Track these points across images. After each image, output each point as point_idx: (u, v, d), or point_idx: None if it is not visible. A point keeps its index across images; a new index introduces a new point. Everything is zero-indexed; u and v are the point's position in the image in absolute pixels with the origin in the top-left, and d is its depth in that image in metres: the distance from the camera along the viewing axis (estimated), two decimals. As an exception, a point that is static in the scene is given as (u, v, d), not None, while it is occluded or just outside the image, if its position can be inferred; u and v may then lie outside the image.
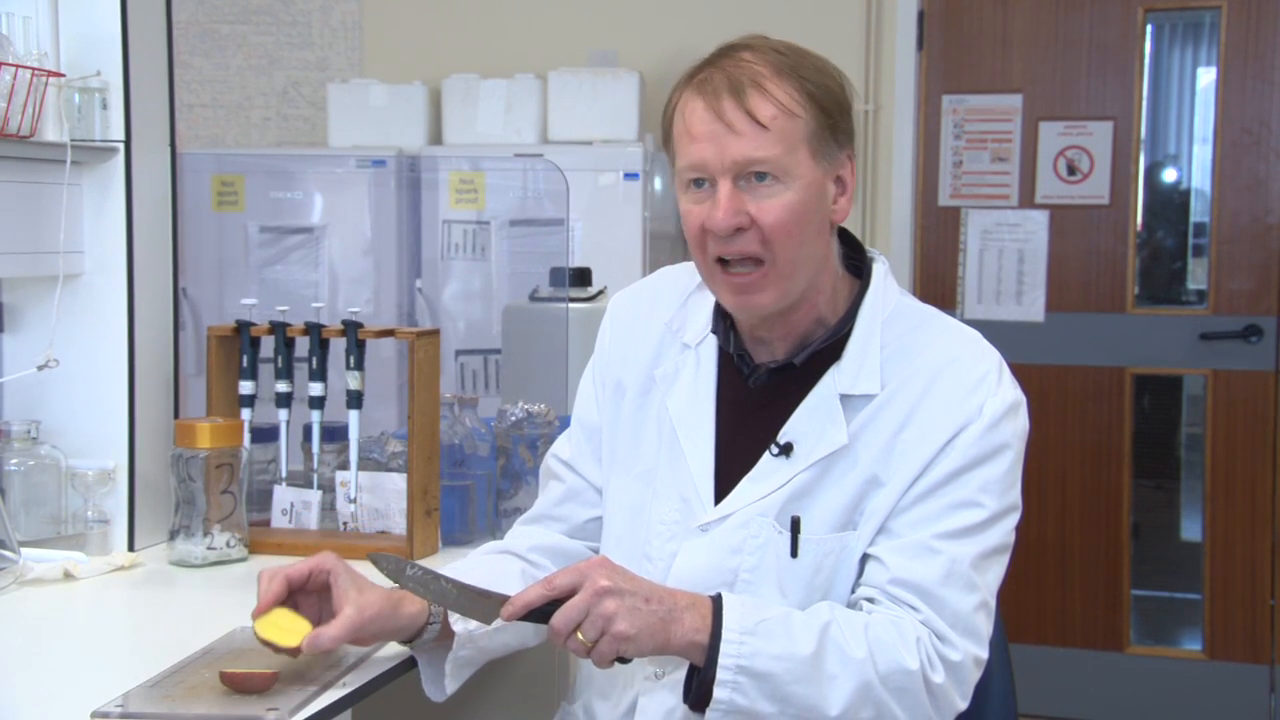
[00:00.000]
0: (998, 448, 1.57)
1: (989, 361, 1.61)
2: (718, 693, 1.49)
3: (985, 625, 1.57)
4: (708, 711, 1.50)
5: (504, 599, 1.54)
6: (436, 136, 4.31)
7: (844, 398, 1.60)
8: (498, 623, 1.55)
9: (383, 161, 4.02)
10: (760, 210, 1.55)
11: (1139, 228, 4.21)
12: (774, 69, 1.56)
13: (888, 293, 1.66)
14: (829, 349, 1.63)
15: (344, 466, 2.27)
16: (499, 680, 2.39)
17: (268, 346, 2.28)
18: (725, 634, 1.49)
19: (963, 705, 1.55)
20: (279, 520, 2.27)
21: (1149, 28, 4.15)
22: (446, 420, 2.29)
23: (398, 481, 2.21)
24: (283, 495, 2.28)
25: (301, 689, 1.52)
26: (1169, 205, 4.38)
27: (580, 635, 1.48)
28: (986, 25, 4.23)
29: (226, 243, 4.05)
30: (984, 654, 1.57)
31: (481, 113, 4.19)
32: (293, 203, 4.06)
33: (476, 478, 2.32)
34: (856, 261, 1.69)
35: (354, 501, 2.24)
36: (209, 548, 2.12)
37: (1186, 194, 4.35)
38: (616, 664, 1.53)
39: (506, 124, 4.17)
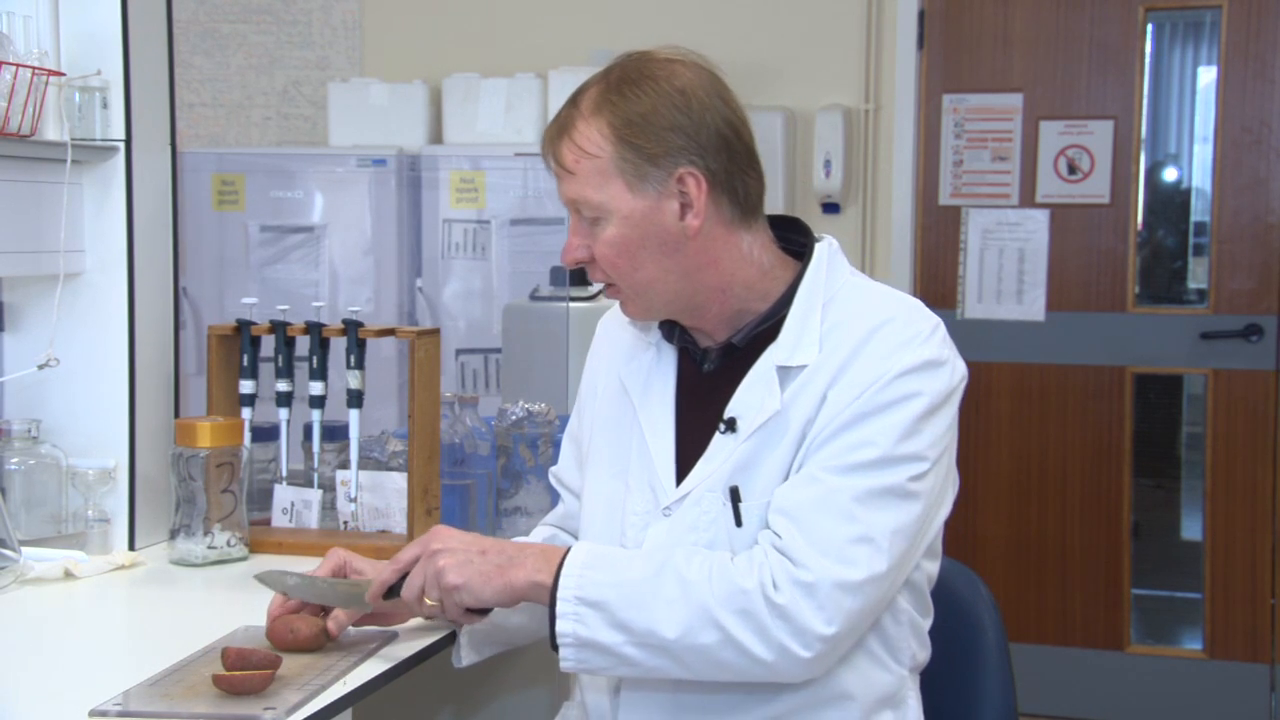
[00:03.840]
0: (906, 395, 1.58)
1: (924, 324, 1.63)
2: (560, 626, 1.54)
3: (865, 557, 1.53)
4: (560, 649, 1.55)
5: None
6: (437, 135, 4.30)
7: (783, 369, 1.63)
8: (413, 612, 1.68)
9: (383, 161, 4.02)
10: (594, 244, 1.66)
11: (1139, 227, 4.21)
12: (592, 107, 1.64)
13: (833, 271, 1.69)
14: (770, 329, 1.67)
15: (344, 465, 2.27)
16: (500, 681, 2.39)
17: (268, 346, 2.28)
18: (565, 569, 1.56)
19: (827, 629, 1.51)
20: (279, 519, 2.27)
21: (1149, 27, 4.15)
22: (447, 419, 2.29)
23: (398, 481, 2.21)
24: (283, 494, 2.28)
25: (300, 688, 1.52)
26: (1169, 204, 4.38)
27: (428, 600, 1.61)
28: (987, 24, 4.23)
29: (227, 242, 4.05)
30: (854, 578, 1.52)
31: (482, 112, 4.19)
32: (293, 202, 4.06)
33: (477, 477, 2.32)
34: (804, 243, 1.73)
35: (354, 501, 2.24)
36: (209, 547, 2.12)
37: (1187, 193, 4.35)
38: (474, 617, 1.63)
39: (507, 123, 4.17)
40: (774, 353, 1.65)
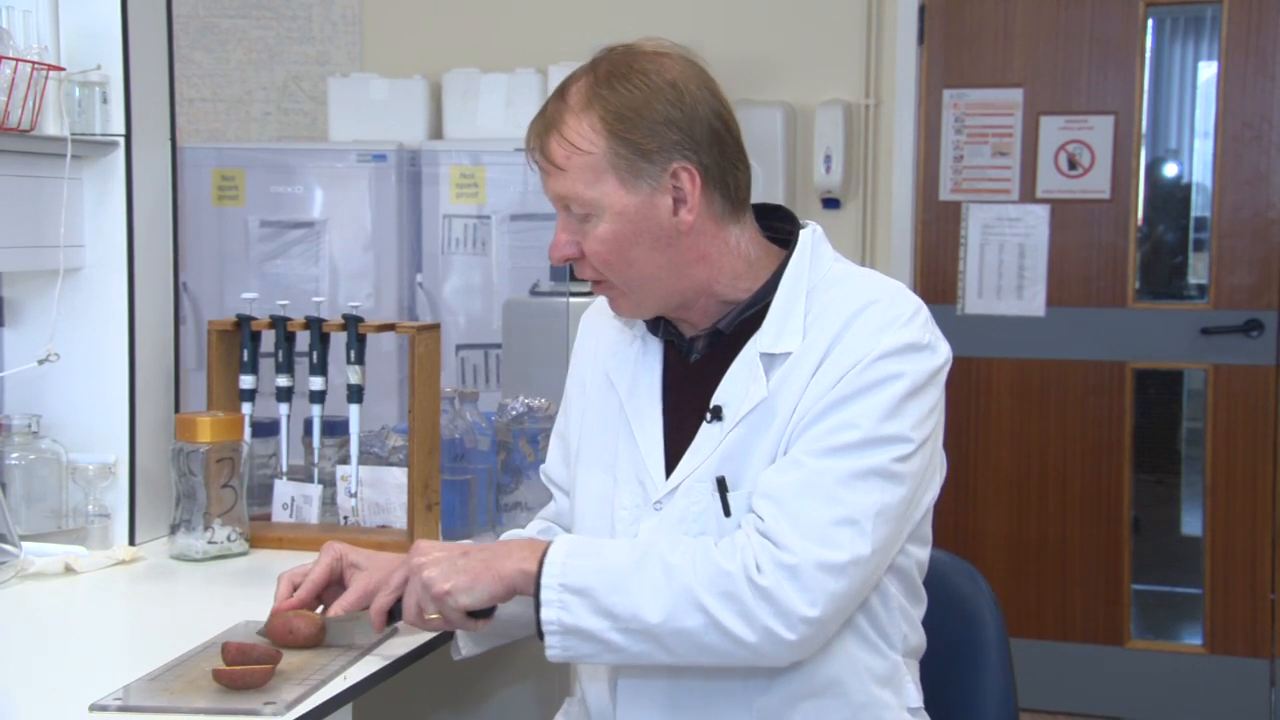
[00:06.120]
0: (887, 377, 1.57)
1: (905, 307, 1.62)
2: (545, 614, 1.54)
3: (848, 540, 1.52)
4: (546, 638, 1.55)
5: None
6: (437, 131, 4.30)
7: (768, 357, 1.63)
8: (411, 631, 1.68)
9: (383, 156, 4.02)
10: (584, 241, 1.64)
11: (1140, 222, 4.21)
12: (582, 102, 1.61)
13: (818, 258, 1.69)
14: (755, 316, 1.66)
15: (345, 461, 2.27)
16: (499, 676, 2.39)
17: (268, 341, 2.28)
18: (548, 557, 1.55)
19: (811, 611, 1.50)
20: (279, 515, 2.27)
21: (1150, 22, 4.15)
22: (447, 415, 2.29)
23: (398, 476, 2.21)
24: (283, 489, 2.28)
25: (300, 683, 1.52)
26: (1170, 200, 4.38)
27: (428, 615, 1.60)
28: (987, 19, 4.23)
29: (227, 237, 4.05)
30: (837, 559, 1.51)
31: (482, 107, 4.19)
32: (293, 197, 4.06)
33: (477, 472, 2.32)
34: (790, 231, 1.72)
35: (355, 496, 2.24)
36: (210, 542, 2.12)
37: (1187, 188, 4.35)
38: (479, 621, 1.61)
39: (507, 118, 4.17)
40: (758, 340, 1.65)
